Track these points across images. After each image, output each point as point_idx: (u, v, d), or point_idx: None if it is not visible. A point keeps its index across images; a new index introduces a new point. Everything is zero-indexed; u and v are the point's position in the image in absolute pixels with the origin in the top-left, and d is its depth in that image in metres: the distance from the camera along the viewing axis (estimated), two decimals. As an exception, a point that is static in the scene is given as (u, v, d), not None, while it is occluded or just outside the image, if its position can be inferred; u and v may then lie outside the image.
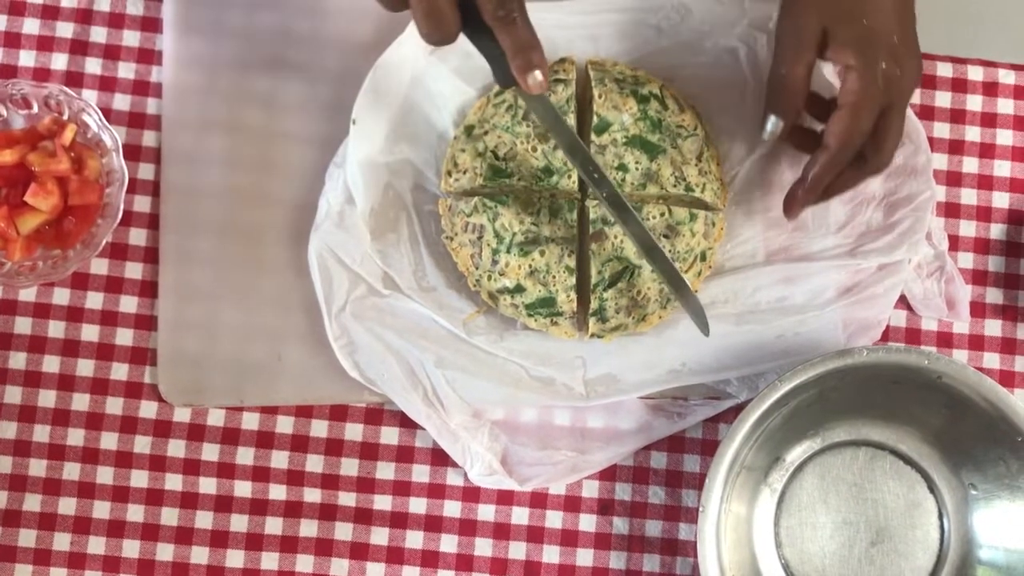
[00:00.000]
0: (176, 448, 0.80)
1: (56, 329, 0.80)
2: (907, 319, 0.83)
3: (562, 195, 0.78)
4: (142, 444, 0.80)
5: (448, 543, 0.80)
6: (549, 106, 0.70)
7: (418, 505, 0.80)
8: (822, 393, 0.77)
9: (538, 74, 0.65)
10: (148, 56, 0.83)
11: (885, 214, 0.81)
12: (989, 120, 0.85)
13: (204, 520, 0.79)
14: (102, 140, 0.79)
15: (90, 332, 0.80)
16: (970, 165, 0.85)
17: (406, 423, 0.80)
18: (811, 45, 0.72)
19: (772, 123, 0.73)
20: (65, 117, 0.79)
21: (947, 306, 0.82)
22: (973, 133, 0.85)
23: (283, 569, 0.79)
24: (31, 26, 0.82)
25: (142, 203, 0.81)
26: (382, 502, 0.80)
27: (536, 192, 0.78)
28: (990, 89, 0.85)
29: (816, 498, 0.80)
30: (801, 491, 0.81)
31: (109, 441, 0.80)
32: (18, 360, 0.80)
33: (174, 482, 0.80)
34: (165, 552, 0.79)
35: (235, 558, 0.79)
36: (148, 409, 0.80)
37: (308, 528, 0.79)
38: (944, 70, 0.85)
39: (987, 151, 0.85)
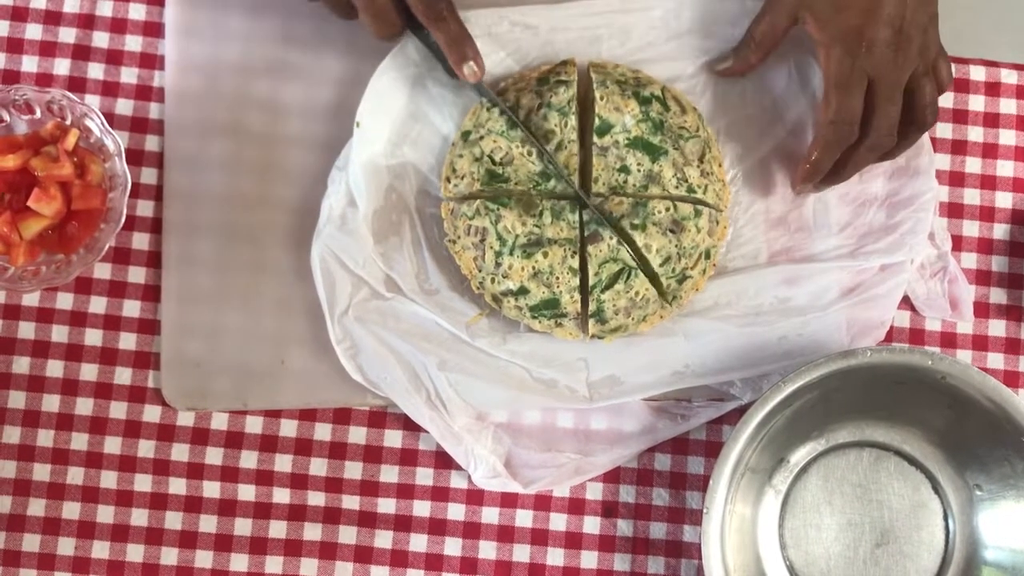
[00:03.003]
0: (180, 452, 0.80)
1: (59, 334, 0.80)
2: (911, 319, 0.83)
3: (560, 198, 0.78)
4: (146, 448, 0.80)
5: (452, 546, 0.80)
6: (487, 93, 0.77)
7: (422, 508, 0.80)
8: (826, 394, 0.76)
9: (472, 64, 0.74)
10: (150, 61, 0.83)
11: (887, 214, 0.81)
12: (991, 120, 0.85)
13: (208, 524, 0.79)
14: (105, 145, 0.79)
15: (93, 336, 0.80)
16: (973, 165, 0.84)
17: (409, 426, 0.80)
18: (784, 11, 0.76)
19: (726, 60, 0.80)
20: (68, 122, 0.79)
21: (951, 306, 0.82)
22: (976, 133, 0.85)
23: (287, 572, 0.79)
24: (33, 31, 0.83)
25: (145, 207, 0.82)
26: (386, 505, 0.80)
27: (537, 194, 0.78)
28: (992, 89, 0.85)
29: (820, 499, 0.80)
30: (805, 492, 0.80)
31: (113, 445, 0.80)
32: (22, 365, 0.80)
33: (178, 486, 0.80)
34: (169, 556, 0.79)
35: (239, 562, 0.79)
36: (151, 413, 0.80)
37: (312, 532, 0.79)
38: (946, 70, 0.85)
39: (990, 151, 0.85)
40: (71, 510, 0.79)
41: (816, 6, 0.75)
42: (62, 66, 0.82)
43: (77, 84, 0.82)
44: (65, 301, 0.81)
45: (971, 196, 0.84)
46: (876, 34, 0.73)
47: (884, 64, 0.74)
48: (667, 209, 0.77)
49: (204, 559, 0.79)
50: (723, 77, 0.81)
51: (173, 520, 0.79)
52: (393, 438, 0.81)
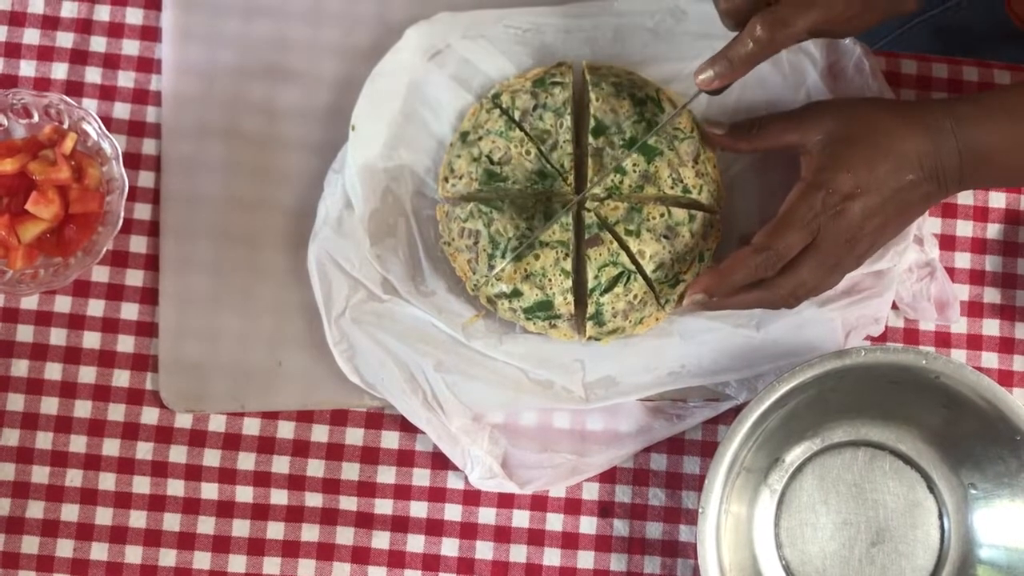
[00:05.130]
0: (178, 454, 0.80)
1: (58, 337, 0.81)
2: (905, 319, 0.83)
3: (557, 198, 0.78)
4: (144, 450, 0.80)
5: (449, 546, 0.80)
6: None
7: (419, 509, 0.80)
8: (821, 394, 0.77)
9: (711, 73, 0.71)
10: (147, 65, 0.83)
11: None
12: (985, 120, 0.85)
13: (206, 525, 0.80)
14: (102, 148, 0.79)
15: (91, 339, 0.81)
16: (967, 165, 0.85)
17: (406, 427, 0.80)
18: (794, 131, 0.75)
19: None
20: (65, 126, 0.80)
21: (936, 310, 0.81)
22: (969, 133, 0.85)
23: (285, 573, 0.79)
24: (31, 36, 0.83)
25: (142, 211, 0.82)
26: (383, 506, 0.80)
27: (531, 196, 0.78)
28: (985, 89, 0.85)
29: (816, 499, 0.81)
30: (801, 492, 0.81)
31: (111, 447, 0.80)
32: (20, 368, 0.80)
33: (176, 488, 0.80)
34: (168, 558, 0.79)
35: (237, 563, 0.79)
36: (150, 415, 0.80)
37: (310, 532, 0.80)
38: (939, 71, 0.85)
39: (983, 151, 0.85)
40: (70, 512, 0.79)
41: (817, 150, 0.73)
42: (59, 70, 0.83)
43: (74, 88, 0.83)
44: (63, 304, 0.81)
45: (964, 196, 0.84)
46: (854, 208, 0.71)
47: (837, 236, 0.72)
48: (661, 215, 0.77)
49: (202, 560, 0.79)
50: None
51: (171, 522, 0.80)
52: (390, 439, 0.81)
